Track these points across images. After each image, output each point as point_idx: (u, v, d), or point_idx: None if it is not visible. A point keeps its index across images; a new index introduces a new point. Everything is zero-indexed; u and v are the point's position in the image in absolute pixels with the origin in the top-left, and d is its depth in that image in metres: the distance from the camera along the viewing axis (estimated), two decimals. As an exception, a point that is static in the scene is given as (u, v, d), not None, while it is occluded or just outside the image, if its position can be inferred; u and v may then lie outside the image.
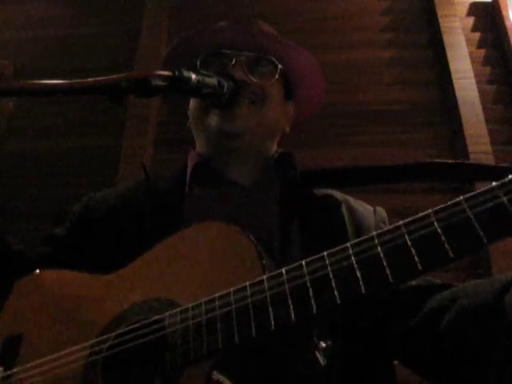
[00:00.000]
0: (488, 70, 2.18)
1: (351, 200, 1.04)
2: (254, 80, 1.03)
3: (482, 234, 0.54)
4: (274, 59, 1.08)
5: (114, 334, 0.75)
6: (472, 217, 0.55)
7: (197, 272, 0.75)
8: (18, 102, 2.24)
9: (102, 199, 1.08)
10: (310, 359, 0.70)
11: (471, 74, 2.11)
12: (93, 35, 2.49)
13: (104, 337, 0.76)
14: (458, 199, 0.57)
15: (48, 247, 1.05)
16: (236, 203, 0.99)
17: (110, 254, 0.94)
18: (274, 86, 1.08)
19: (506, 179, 0.55)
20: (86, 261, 0.98)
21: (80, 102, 2.27)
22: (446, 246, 0.55)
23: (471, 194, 0.56)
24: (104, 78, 0.78)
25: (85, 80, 0.77)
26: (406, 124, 2.12)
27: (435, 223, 0.56)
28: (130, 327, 0.74)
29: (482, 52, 2.22)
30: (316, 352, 0.69)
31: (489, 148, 1.92)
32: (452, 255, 0.54)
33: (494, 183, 0.56)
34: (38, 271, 0.92)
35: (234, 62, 1.03)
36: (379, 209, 1.05)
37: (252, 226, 0.76)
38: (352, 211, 0.99)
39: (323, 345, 0.70)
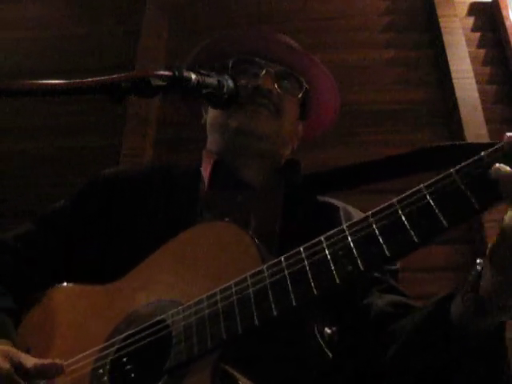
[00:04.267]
0: (488, 69, 2.18)
1: (350, 208, 1.08)
2: (279, 92, 1.06)
3: (441, 218, 0.58)
4: (301, 79, 1.12)
5: (120, 338, 0.76)
6: (432, 203, 0.60)
7: (199, 272, 0.76)
8: (19, 102, 2.25)
9: (113, 178, 1.08)
10: (316, 347, 0.70)
11: (471, 74, 2.11)
12: (93, 35, 2.48)
13: (110, 342, 0.76)
14: (419, 187, 0.62)
15: (47, 228, 1.07)
16: (246, 205, 1.01)
17: (118, 242, 0.96)
18: (294, 103, 1.12)
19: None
20: (87, 247, 0.99)
21: (80, 102, 2.26)
22: (411, 231, 0.59)
23: (429, 182, 0.61)
24: (104, 78, 0.78)
25: (85, 80, 0.77)
26: (406, 124, 2.12)
27: (399, 211, 0.61)
28: (135, 330, 0.75)
29: (482, 52, 2.22)
30: (321, 340, 0.70)
31: (489, 148, 1.92)
32: (417, 240, 0.59)
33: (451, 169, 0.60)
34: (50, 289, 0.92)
35: (264, 71, 1.06)
36: None
37: (258, 227, 0.79)
38: (349, 217, 1.02)
39: (328, 331, 0.71)
